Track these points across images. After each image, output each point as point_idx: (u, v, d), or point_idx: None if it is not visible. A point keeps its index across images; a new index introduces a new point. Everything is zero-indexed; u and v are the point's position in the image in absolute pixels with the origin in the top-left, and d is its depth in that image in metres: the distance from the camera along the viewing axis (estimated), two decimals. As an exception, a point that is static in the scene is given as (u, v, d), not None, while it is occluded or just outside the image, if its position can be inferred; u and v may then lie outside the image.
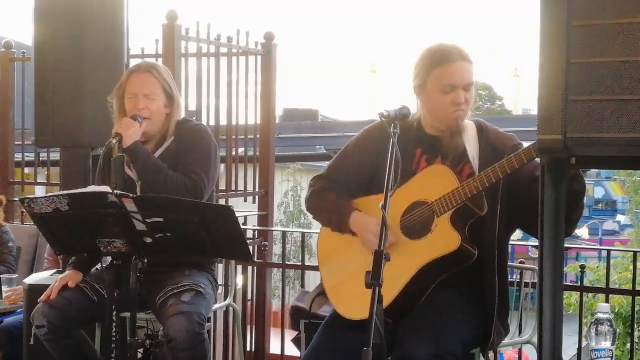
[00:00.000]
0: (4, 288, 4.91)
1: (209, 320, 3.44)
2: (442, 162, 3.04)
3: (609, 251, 5.11)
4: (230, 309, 4.59)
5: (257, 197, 6.21)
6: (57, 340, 3.37)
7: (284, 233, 5.82)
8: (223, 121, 5.77)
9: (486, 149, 3.04)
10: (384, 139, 2.85)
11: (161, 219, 3.00)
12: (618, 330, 8.82)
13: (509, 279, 3.59)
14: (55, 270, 4.50)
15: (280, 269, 5.87)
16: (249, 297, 5.74)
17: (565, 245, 2.36)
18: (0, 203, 5.57)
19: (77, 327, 3.44)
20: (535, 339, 3.33)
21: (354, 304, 2.92)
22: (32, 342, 3.42)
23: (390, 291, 2.81)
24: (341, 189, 3.17)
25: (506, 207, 2.95)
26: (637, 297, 4.74)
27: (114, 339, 3.26)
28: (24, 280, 4.35)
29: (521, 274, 3.74)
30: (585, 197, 2.85)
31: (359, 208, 3.10)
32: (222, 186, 5.80)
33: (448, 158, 3.05)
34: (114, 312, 3.21)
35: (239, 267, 5.19)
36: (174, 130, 3.61)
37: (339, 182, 3.19)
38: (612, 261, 5.80)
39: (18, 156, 7.05)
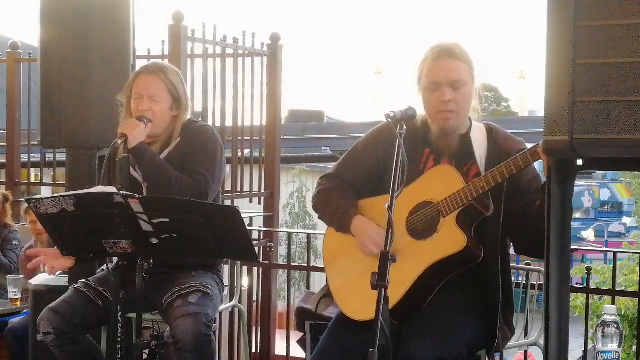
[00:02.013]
0: (10, 289, 4.93)
1: (215, 321, 3.44)
2: (449, 162, 3.04)
3: (615, 253, 5.10)
4: (236, 310, 4.59)
5: (262, 198, 6.22)
6: (64, 347, 3.38)
7: (289, 234, 5.82)
8: (229, 122, 5.78)
9: (494, 151, 3.04)
10: (392, 139, 2.84)
11: (167, 220, 3.01)
12: (624, 332, 8.80)
13: (516, 281, 3.60)
14: (60, 271, 4.50)
15: (286, 270, 5.87)
16: (255, 298, 5.74)
17: (572, 247, 2.36)
18: (7, 199, 5.59)
19: (83, 333, 3.45)
20: (541, 341, 3.32)
21: (360, 305, 2.92)
22: (39, 340, 3.42)
23: (396, 292, 2.81)
24: (348, 189, 3.17)
25: (507, 209, 2.95)
26: (643, 299, 4.73)
27: (119, 340, 3.26)
28: (29, 282, 4.36)
29: (527, 276, 3.73)
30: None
31: (365, 209, 3.10)
32: (228, 187, 5.81)
33: (453, 157, 3.05)
34: (120, 313, 3.21)
35: (245, 269, 5.19)
36: (180, 132, 3.61)
37: (346, 181, 3.19)
38: (618, 263, 5.79)
39: (24, 157, 7.07)
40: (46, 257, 3.48)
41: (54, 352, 3.41)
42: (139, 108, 3.52)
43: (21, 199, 6.42)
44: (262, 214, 6.26)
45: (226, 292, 4.00)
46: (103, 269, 3.62)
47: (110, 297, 3.37)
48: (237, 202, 5.84)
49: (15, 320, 5.03)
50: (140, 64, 4.17)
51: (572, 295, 9.22)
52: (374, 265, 2.52)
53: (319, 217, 3.25)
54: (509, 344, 3.25)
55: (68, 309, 3.40)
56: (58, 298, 3.47)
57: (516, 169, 2.82)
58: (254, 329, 5.70)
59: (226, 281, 4.07)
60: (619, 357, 2.57)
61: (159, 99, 3.54)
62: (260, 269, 5.74)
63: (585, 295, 4.94)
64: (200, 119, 4.82)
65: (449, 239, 2.89)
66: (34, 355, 4.19)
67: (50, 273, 3.50)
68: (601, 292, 5.91)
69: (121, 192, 3.02)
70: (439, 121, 3.03)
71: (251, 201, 6.20)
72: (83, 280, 3.55)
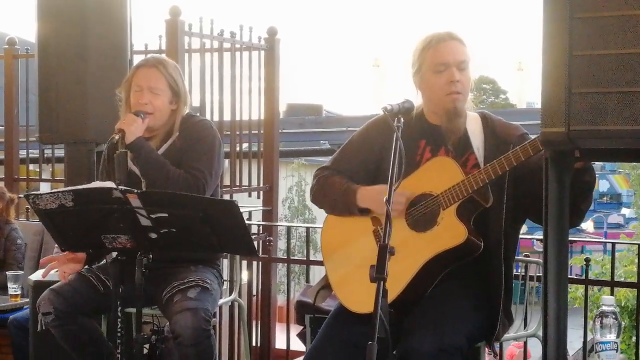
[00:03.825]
0: (10, 285, 4.93)
1: (214, 315, 3.44)
2: (446, 153, 3.04)
3: (614, 244, 5.10)
4: (236, 304, 4.59)
5: (261, 192, 6.22)
6: (63, 327, 3.39)
7: (288, 228, 5.83)
8: (227, 117, 5.78)
9: (491, 139, 3.04)
10: (388, 132, 2.85)
11: (166, 215, 3.01)
12: (623, 323, 8.81)
13: (515, 273, 3.60)
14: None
15: (285, 264, 5.87)
16: (254, 292, 5.74)
17: (570, 238, 2.37)
18: (12, 202, 5.59)
19: (83, 315, 3.46)
20: (540, 333, 3.33)
21: (359, 298, 2.92)
22: (39, 329, 3.43)
23: (396, 285, 2.82)
24: (345, 176, 3.18)
25: (513, 198, 2.95)
26: (642, 290, 4.73)
27: (119, 334, 3.27)
28: (29, 277, 4.37)
29: (526, 268, 3.74)
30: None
31: None
32: (227, 181, 5.80)
33: (451, 148, 3.05)
34: (119, 308, 3.22)
35: (244, 263, 5.19)
36: (179, 126, 3.61)
37: (343, 174, 3.20)
38: (617, 254, 5.80)
39: (23, 153, 7.06)
40: (57, 262, 3.50)
41: (54, 334, 3.41)
42: (139, 101, 3.53)
43: (20, 195, 6.41)
44: (261, 208, 6.25)
45: (226, 286, 4.01)
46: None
47: (111, 286, 3.38)
48: (236, 196, 5.84)
49: (20, 314, 5.03)
50: (137, 58, 4.17)
51: (572, 287, 9.26)
52: (373, 256, 2.52)
53: (320, 206, 3.25)
54: (508, 335, 3.26)
55: (70, 290, 3.42)
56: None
57: (516, 161, 2.82)
58: (253, 322, 5.71)
59: (226, 275, 4.07)
60: (617, 347, 2.58)
61: (159, 92, 3.55)
62: (260, 263, 5.74)
63: (584, 286, 4.94)
64: (198, 114, 4.82)
65: (450, 232, 2.89)
66: (35, 347, 4.19)
67: (62, 279, 3.50)
68: (600, 283, 5.91)
69: (119, 187, 3.03)
70: (448, 103, 3.03)
71: (250, 195, 6.20)
72: (86, 266, 3.56)
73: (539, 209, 2.92)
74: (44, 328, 3.42)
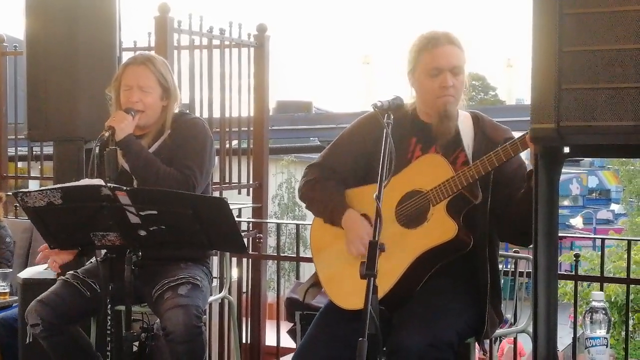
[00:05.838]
0: (-1, 283, 4.91)
1: (205, 312, 3.44)
2: (437, 151, 3.05)
3: (603, 240, 5.11)
4: (226, 301, 4.59)
5: (251, 189, 6.21)
6: (52, 338, 3.38)
7: (278, 225, 5.82)
8: (216, 114, 5.77)
9: (481, 139, 3.05)
10: (378, 129, 2.85)
11: (155, 212, 3.00)
12: (613, 319, 8.85)
13: (504, 269, 3.61)
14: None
15: (275, 261, 5.87)
16: (244, 289, 5.73)
17: (560, 234, 2.37)
18: (0, 200, 5.57)
19: (71, 324, 3.44)
20: (530, 328, 3.34)
21: (349, 294, 2.93)
22: (28, 342, 3.42)
23: (387, 281, 2.82)
24: (334, 179, 3.17)
25: (493, 196, 2.97)
26: (631, 286, 4.75)
27: (109, 332, 3.26)
28: (18, 275, 4.35)
29: (516, 264, 3.74)
30: None
31: (354, 198, 3.09)
32: (216, 179, 5.79)
33: (442, 146, 3.06)
34: (109, 306, 3.21)
35: (234, 260, 5.19)
36: (171, 124, 3.60)
37: (333, 170, 3.19)
38: (606, 250, 5.81)
39: (11, 150, 7.04)
40: (49, 251, 3.48)
41: (43, 345, 3.40)
42: (130, 99, 3.51)
43: (9, 193, 6.39)
44: (251, 205, 6.24)
45: (215, 283, 4.00)
46: (91, 261, 3.61)
47: (98, 289, 3.36)
48: (226, 194, 5.83)
49: (7, 313, 5.01)
50: (126, 56, 4.15)
51: (561, 282, 9.29)
52: (363, 254, 2.52)
53: (306, 207, 3.26)
54: (498, 331, 3.26)
55: (56, 300, 3.39)
56: (46, 290, 3.46)
57: (505, 158, 2.83)
58: (243, 320, 5.70)
59: (215, 273, 4.06)
60: (607, 343, 2.58)
61: (149, 89, 3.54)
62: (250, 260, 5.74)
63: (574, 282, 4.95)
64: (187, 111, 4.82)
65: (440, 227, 2.89)
66: (24, 350, 4.17)
67: (53, 268, 3.48)
68: (590, 279, 5.94)
69: (108, 184, 3.02)
70: (440, 106, 3.03)
71: (240, 192, 6.19)
72: (71, 272, 3.54)
73: (502, 222, 2.98)
74: (31, 340, 3.41)
